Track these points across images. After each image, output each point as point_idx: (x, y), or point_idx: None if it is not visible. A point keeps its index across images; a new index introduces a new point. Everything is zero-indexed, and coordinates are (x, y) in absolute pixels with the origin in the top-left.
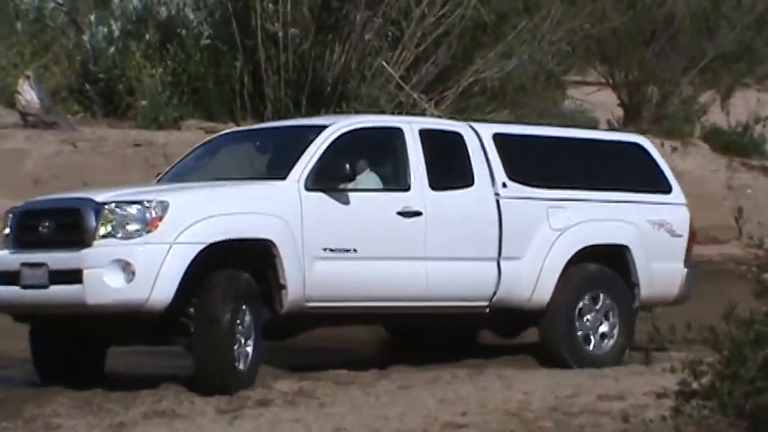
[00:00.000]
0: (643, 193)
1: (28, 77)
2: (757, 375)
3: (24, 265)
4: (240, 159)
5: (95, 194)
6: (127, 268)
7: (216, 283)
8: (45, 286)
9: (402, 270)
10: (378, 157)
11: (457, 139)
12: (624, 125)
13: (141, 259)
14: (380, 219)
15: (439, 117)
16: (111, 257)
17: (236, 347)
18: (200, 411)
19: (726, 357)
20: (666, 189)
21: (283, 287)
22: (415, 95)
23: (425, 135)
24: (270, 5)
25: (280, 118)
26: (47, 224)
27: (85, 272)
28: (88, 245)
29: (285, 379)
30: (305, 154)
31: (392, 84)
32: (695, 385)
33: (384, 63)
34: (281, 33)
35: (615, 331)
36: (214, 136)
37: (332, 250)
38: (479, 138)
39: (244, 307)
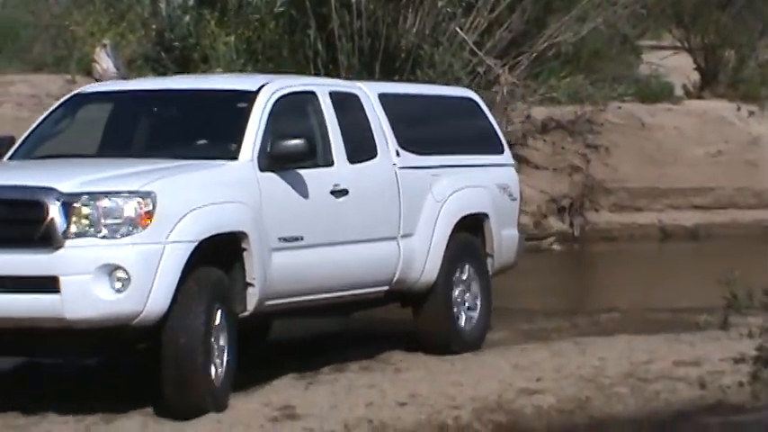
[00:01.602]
0: (487, 155)
1: (104, 46)
2: None
3: None
4: (136, 130)
5: (55, 181)
6: (119, 275)
7: (196, 287)
8: None
9: (340, 257)
10: (301, 126)
11: (356, 102)
12: (700, 89)
13: (136, 263)
14: (318, 200)
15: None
16: (97, 262)
17: (213, 359)
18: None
19: None
20: (501, 149)
21: (250, 285)
22: (489, 61)
23: (335, 98)
24: None
25: None
26: None
27: (64, 279)
28: (57, 245)
29: (359, 346)
30: (248, 128)
31: (466, 50)
32: None
33: (458, 29)
34: (354, 0)
35: (478, 303)
36: (73, 95)
37: (285, 240)
38: (370, 100)
39: (219, 312)
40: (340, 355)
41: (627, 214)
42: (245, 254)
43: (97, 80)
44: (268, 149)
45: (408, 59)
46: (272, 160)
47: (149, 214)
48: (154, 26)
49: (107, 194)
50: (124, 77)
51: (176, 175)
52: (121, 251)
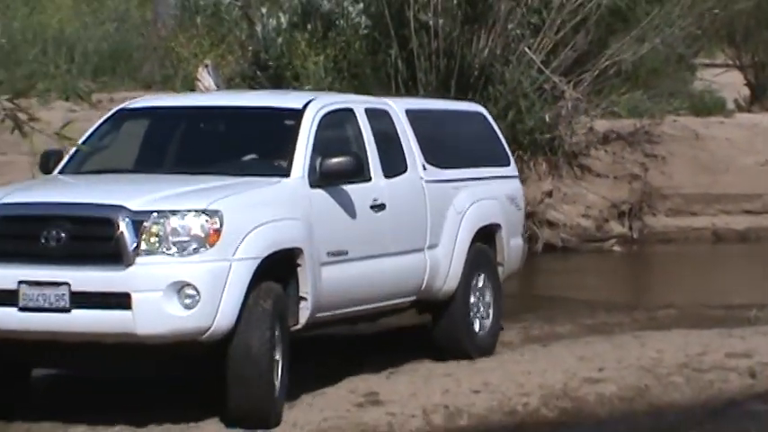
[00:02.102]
0: (496, 167)
1: (206, 66)
2: None
3: (25, 283)
4: (184, 146)
5: (124, 199)
6: (188, 292)
7: (260, 302)
8: (65, 310)
9: (380, 269)
10: (344, 143)
11: (388, 118)
12: (750, 104)
13: (206, 281)
14: (361, 215)
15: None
16: (168, 279)
17: (275, 374)
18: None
19: None
20: (508, 161)
21: (303, 299)
22: (555, 78)
23: (370, 115)
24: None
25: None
26: (56, 234)
27: (135, 296)
28: (128, 262)
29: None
30: (298, 145)
31: (534, 68)
32: None
33: (526, 49)
34: (431, 23)
35: (491, 311)
36: (118, 110)
37: (333, 254)
38: (399, 116)
39: (278, 327)
40: (418, 350)
41: (682, 218)
42: (299, 269)
43: None
44: (318, 166)
45: (481, 77)
46: (322, 177)
47: (217, 232)
48: (250, 48)
49: (176, 213)
50: None
51: (240, 193)
52: (191, 269)
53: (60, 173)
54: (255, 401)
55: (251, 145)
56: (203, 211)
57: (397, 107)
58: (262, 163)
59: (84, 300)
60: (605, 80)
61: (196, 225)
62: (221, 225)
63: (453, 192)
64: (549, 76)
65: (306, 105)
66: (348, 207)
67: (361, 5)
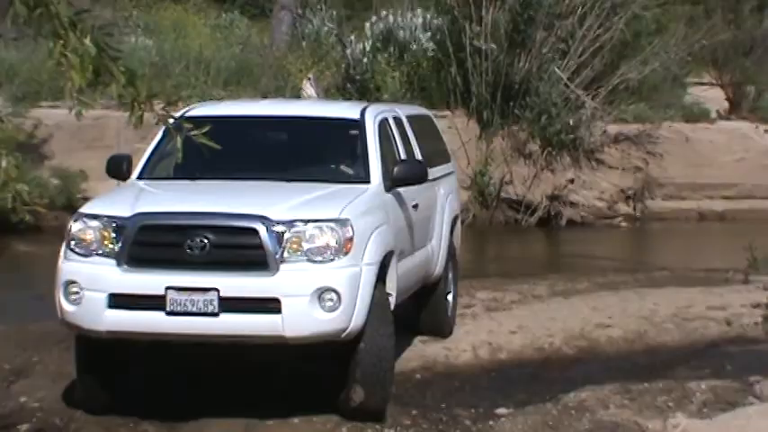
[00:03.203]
0: (446, 164)
1: (309, 79)
2: None
3: (173, 288)
4: (255, 153)
5: (263, 209)
6: (331, 296)
7: (380, 301)
8: (213, 314)
9: (415, 263)
10: (399, 147)
11: (401, 124)
12: (729, 113)
13: (346, 286)
14: (410, 215)
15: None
16: (313, 285)
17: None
18: None
19: None
20: (449, 158)
21: (390, 295)
22: (578, 92)
23: (411, 121)
24: (476, 27)
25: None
26: (200, 242)
27: (284, 301)
28: (275, 269)
29: (483, 290)
30: (370, 152)
31: (561, 83)
32: None
33: (555, 68)
34: (483, 48)
35: (453, 291)
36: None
37: (400, 252)
38: (408, 123)
39: None
40: (469, 297)
41: (674, 202)
42: (389, 269)
43: None
44: (391, 172)
45: (520, 90)
46: (394, 182)
47: (350, 240)
48: (342, 65)
49: (313, 221)
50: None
51: (353, 201)
52: (333, 275)
53: (139, 178)
54: (379, 396)
55: (319, 152)
56: (338, 220)
57: (402, 113)
58: (342, 170)
59: (233, 304)
60: (616, 94)
61: (333, 233)
62: (353, 233)
63: (437, 188)
64: (573, 89)
65: (363, 115)
66: (406, 209)
67: (429, 34)
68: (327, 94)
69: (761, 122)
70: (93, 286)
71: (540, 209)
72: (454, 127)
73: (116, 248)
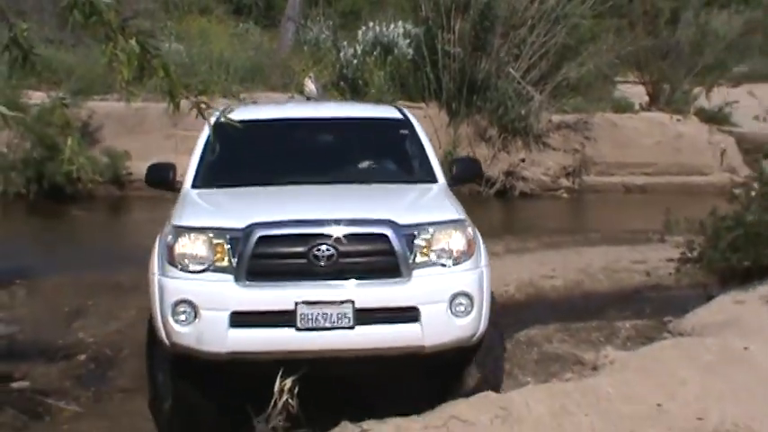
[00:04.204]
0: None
1: (310, 77)
2: (728, 248)
3: (304, 303)
4: (306, 157)
5: (388, 213)
6: (463, 301)
7: (491, 305)
8: (348, 327)
9: None
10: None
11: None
12: (649, 106)
13: (476, 289)
14: None
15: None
16: (449, 290)
17: None
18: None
19: (709, 238)
20: None
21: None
22: (529, 87)
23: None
24: (446, 35)
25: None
26: (328, 251)
27: (423, 309)
28: (407, 276)
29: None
30: (427, 151)
31: (515, 81)
32: (690, 255)
33: (510, 69)
34: (452, 52)
35: None
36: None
37: None
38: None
39: None
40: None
41: (605, 177)
42: None
43: (306, 97)
44: (451, 171)
45: (482, 86)
46: (453, 180)
47: (472, 241)
48: (337, 66)
49: (437, 224)
50: (321, 96)
51: (452, 201)
52: (465, 278)
53: (194, 187)
54: (497, 388)
55: (374, 153)
56: (459, 221)
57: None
58: (402, 170)
59: (369, 316)
60: (559, 89)
61: (459, 235)
62: (474, 234)
63: None
64: (525, 86)
65: (403, 114)
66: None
67: (408, 41)
68: (325, 89)
69: (674, 113)
70: (211, 305)
71: (497, 183)
72: (428, 116)
73: (232, 263)
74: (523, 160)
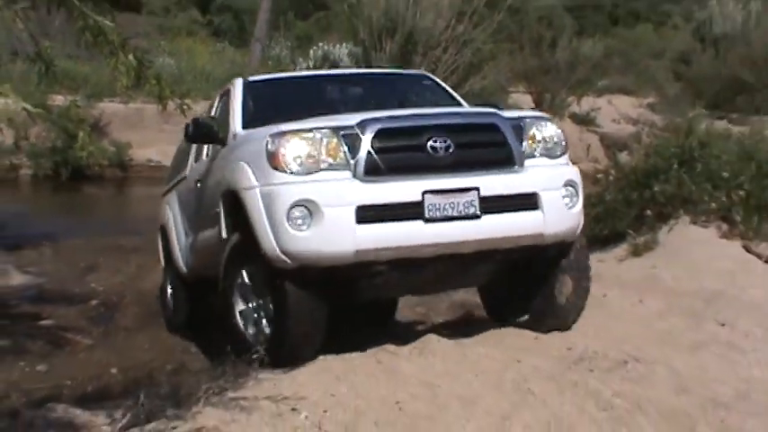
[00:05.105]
0: None
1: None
2: (592, 220)
3: (431, 192)
4: (341, 100)
5: (488, 109)
6: (571, 191)
7: None
8: (475, 216)
9: None
10: None
11: None
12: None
13: (579, 181)
14: None
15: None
16: (562, 178)
17: None
18: None
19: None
20: None
21: None
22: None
23: None
24: (379, 54)
25: None
26: (445, 142)
27: (543, 195)
28: (520, 164)
29: None
30: (455, 96)
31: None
32: None
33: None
34: (385, 62)
35: None
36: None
37: None
38: None
39: None
40: None
41: None
42: None
43: None
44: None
45: None
46: None
47: (565, 139)
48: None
49: (537, 119)
50: None
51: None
52: (571, 168)
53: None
54: (584, 287)
55: (405, 98)
56: (551, 119)
57: None
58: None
59: (493, 204)
60: (467, 99)
61: (556, 129)
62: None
63: None
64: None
65: (424, 72)
66: None
67: (349, 58)
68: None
69: (554, 116)
70: (335, 202)
71: None
72: None
73: (348, 160)
74: None
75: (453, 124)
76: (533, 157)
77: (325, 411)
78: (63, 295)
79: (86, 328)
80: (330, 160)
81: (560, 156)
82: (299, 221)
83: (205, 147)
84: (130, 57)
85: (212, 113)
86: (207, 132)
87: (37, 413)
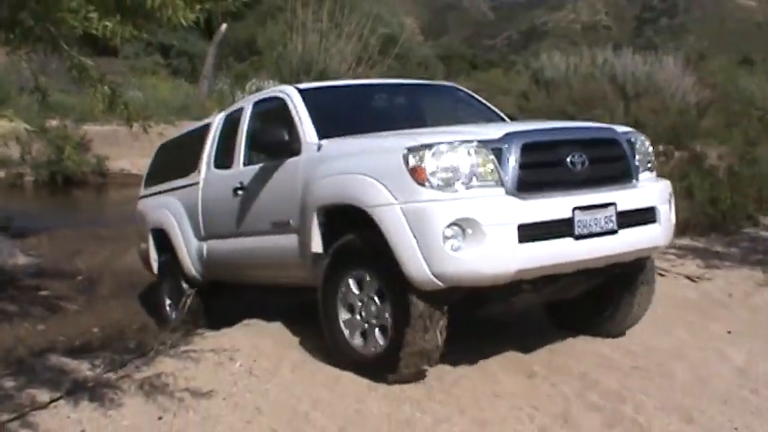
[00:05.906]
0: None
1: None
2: None
3: (579, 209)
4: (383, 112)
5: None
6: (672, 203)
7: None
8: (613, 232)
9: None
10: None
11: None
12: None
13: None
14: None
15: None
16: (665, 193)
17: None
18: None
19: None
20: None
21: None
22: None
23: None
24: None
25: None
26: (581, 157)
27: (660, 208)
28: (636, 179)
29: None
30: (490, 106)
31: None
32: None
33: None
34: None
35: None
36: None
37: None
38: None
39: None
40: None
41: None
42: None
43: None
44: None
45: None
46: None
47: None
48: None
49: (633, 134)
50: None
51: None
52: (665, 182)
53: (321, 138)
54: (649, 295)
55: (444, 110)
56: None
57: None
58: (482, 119)
59: (626, 219)
60: None
61: (649, 144)
62: None
63: None
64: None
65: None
66: None
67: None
68: None
69: None
70: (496, 221)
71: None
72: None
73: (500, 175)
74: None
75: (587, 139)
76: (640, 171)
77: (254, 360)
78: (56, 272)
79: (74, 298)
80: (481, 176)
81: (653, 170)
82: (454, 241)
83: (239, 154)
84: (106, 88)
85: (212, 134)
86: (277, 142)
87: (37, 361)
